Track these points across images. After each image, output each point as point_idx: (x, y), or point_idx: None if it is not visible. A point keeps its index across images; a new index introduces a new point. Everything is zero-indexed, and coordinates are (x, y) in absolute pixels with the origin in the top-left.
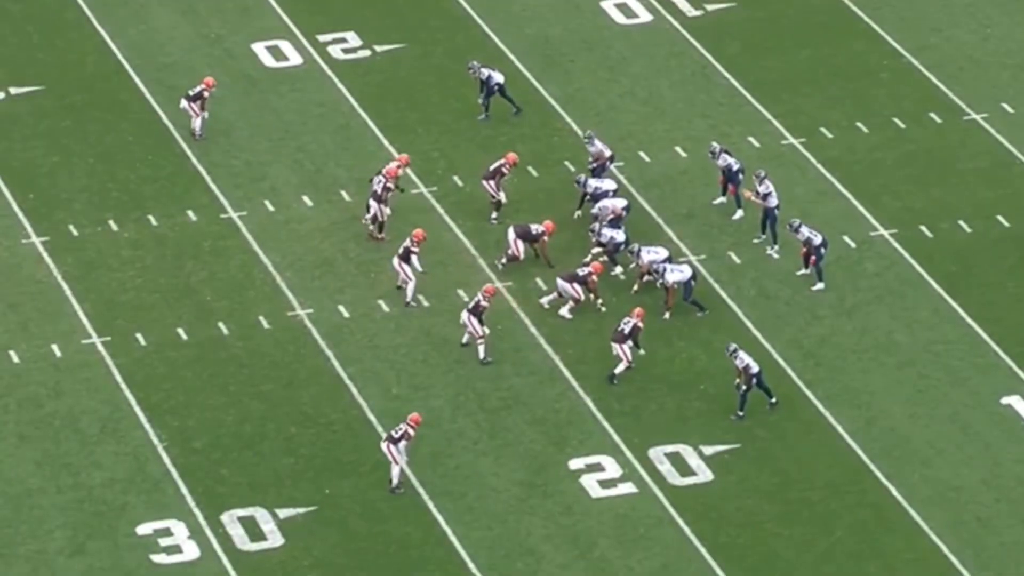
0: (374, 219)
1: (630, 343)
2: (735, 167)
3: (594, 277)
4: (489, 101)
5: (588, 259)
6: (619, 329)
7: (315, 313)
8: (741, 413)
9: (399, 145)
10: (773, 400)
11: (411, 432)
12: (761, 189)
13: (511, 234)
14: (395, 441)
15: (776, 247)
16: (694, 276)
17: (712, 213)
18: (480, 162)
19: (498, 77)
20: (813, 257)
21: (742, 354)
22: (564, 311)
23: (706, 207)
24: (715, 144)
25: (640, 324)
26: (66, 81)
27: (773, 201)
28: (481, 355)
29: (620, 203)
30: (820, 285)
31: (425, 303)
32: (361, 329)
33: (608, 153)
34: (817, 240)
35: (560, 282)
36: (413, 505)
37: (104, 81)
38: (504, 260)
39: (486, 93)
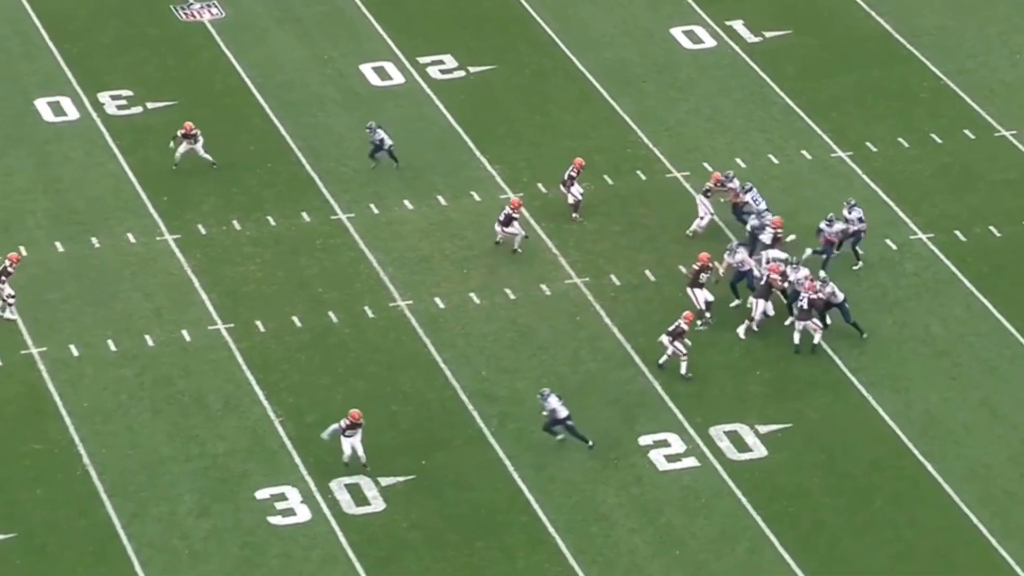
0: (572, 201)
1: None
2: (853, 228)
3: (775, 277)
4: (379, 155)
5: (764, 264)
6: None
7: (414, 304)
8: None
9: (489, 156)
10: (590, 444)
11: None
12: (849, 215)
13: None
14: (345, 432)
15: (859, 264)
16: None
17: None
18: (562, 171)
19: (387, 140)
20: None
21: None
22: (741, 331)
23: (762, 212)
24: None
25: (685, 325)
26: (196, 97)
27: (862, 225)
28: (683, 371)
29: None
30: (859, 264)
31: (511, 296)
32: (455, 319)
33: (736, 186)
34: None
35: (753, 300)
36: (500, 475)
37: (229, 97)
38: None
39: (376, 149)
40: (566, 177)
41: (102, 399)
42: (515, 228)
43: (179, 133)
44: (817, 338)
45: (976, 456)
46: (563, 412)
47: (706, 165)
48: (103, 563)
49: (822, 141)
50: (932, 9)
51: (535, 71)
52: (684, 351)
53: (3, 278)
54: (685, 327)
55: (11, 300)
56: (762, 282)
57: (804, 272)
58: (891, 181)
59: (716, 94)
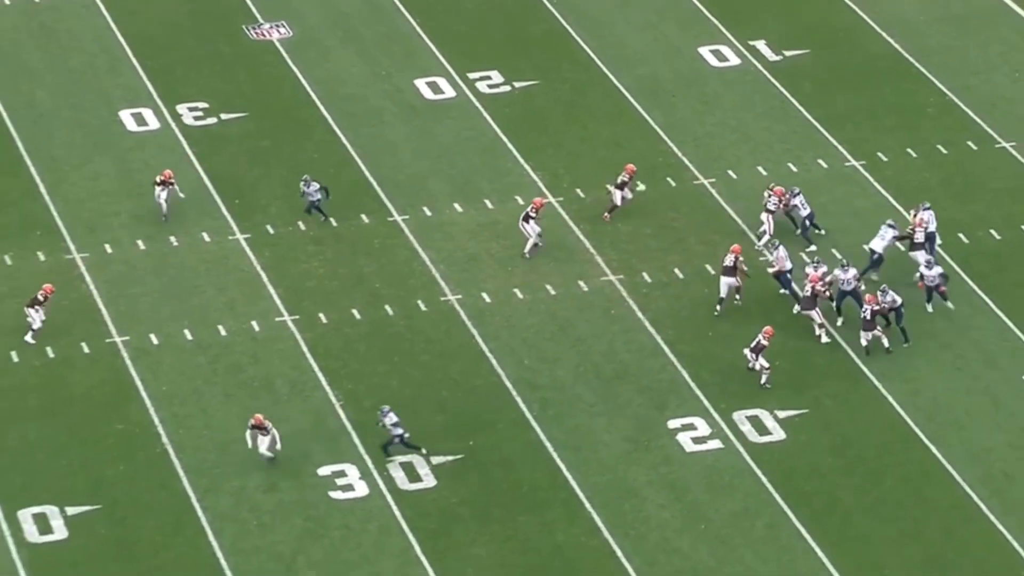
0: (612, 205)
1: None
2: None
3: (819, 287)
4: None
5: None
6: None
7: (463, 299)
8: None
9: (532, 163)
10: (423, 450)
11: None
12: (921, 215)
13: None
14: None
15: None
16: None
17: (787, 219)
18: (598, 178)
19: (318, 195)
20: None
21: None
22: (823, 335)
23: (782, 215)
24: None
25: (765, 341)
26: (266, 109)
27: (933, 226)
28: (763, 380)
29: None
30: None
31: (552, 291)
32: (500, 312)
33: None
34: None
35: (809, 313)
36: (540, 456)
37: (296, 109)
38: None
39: (311, 205)
40: (619, 181)
41: (179, 384)
42: (530, 228)
43: (158, 179)
44: (886, 342)
45: (978, 440)
46: (398, 430)
47: (731, 172)
48: (179, 533)
49: (837, 151)
50: (938, 30)
51: (575, 86)
52: (767, 365)
53: (36, 307)
54: (765, 343)
55: (38, 327)
56: (808, 294)
57: (852, 272)
58: (900, 188)
59: (740, 108)
